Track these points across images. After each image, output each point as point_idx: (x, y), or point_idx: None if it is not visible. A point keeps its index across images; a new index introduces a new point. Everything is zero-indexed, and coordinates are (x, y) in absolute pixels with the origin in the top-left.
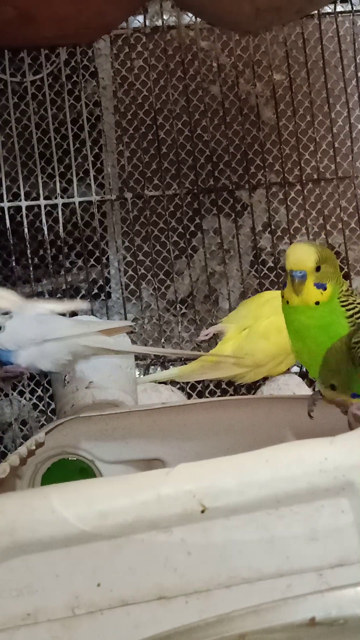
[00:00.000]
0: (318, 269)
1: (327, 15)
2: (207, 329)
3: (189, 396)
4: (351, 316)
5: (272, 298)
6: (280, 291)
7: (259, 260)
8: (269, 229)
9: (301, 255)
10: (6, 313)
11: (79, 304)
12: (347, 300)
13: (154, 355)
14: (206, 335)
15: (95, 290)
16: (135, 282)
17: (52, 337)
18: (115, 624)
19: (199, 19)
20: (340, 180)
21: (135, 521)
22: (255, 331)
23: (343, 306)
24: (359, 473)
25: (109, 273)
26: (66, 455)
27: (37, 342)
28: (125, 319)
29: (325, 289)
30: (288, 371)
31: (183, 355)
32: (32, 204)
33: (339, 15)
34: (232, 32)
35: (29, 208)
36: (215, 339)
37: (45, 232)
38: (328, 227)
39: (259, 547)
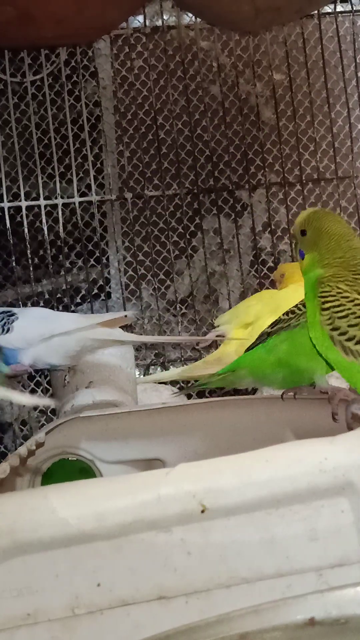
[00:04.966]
0: (303, 232)
1: (327, 15)
2: (206, 334)
3: (189, 396)
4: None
5: (271, 296)
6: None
7: (259, 260)
8: (269, 229)
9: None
10: (12, 315)
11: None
12: (329, 283)
13: (155, 354)
14: (207, 342)
15: (95, 290)
16: (135, 282)
17: (60, 331)
18: (115, 624)
19: (199, 19)
20: (340, 180)
21: (135, 521)
22: (258, 330)
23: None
24: (359, 473)
25: (109, 273)
26: (66, 455)
27: (46, 338)
28: None
29: (302, 258)
30: None
31: (188, 341)
32: (32, 204)
33: (339, 15)
34: (232, 32)
35: (29, 208)
36: (216, 342)
37: (45, 232)
38: None
39: (259, 547)
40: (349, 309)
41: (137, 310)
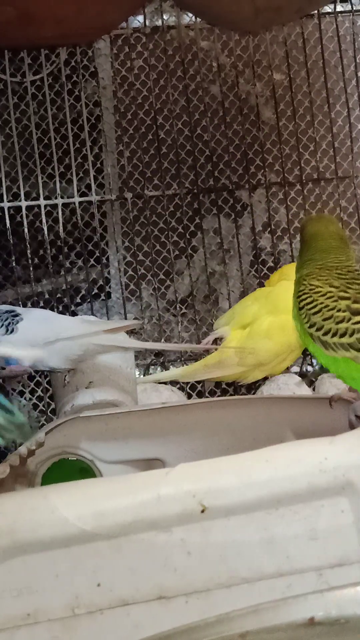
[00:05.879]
0: (301, 236)
1: (327, 15)
2: (206, 336)
3: (189, 396)
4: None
5: (266, 296)
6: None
7: (259, 260)
8: (269, 228)
9: None
10: (16, 315)
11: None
12: (303, 282)
13: (155, 354)
14: (206, 343)
15: (95, 290)
16: (135, 282)
17: (65, 336)
18: (115, 624)
19: (199, 19)
20: (340, 180)
21: (135, 521)
22: (257, 331)
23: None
24: (359, 473)
25: (109, 273)
26: (66, 455)
27: (50, 342)
28: (126, 319)
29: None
30: (288, 370)
31: (190, 350)
32: (32, 204)
33: (339, 15)
34: (232, 32)
35: (29, 208)
36: (216, 344)
37: (45, 232)
38: None
39: (259, 547)
40: (321, 302)
41: (137, 310)
